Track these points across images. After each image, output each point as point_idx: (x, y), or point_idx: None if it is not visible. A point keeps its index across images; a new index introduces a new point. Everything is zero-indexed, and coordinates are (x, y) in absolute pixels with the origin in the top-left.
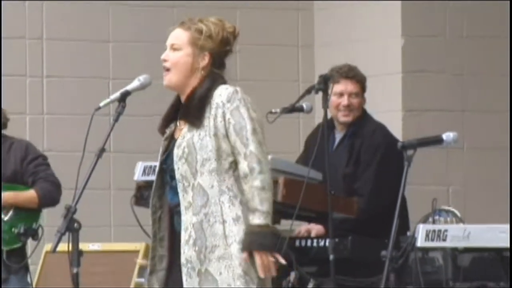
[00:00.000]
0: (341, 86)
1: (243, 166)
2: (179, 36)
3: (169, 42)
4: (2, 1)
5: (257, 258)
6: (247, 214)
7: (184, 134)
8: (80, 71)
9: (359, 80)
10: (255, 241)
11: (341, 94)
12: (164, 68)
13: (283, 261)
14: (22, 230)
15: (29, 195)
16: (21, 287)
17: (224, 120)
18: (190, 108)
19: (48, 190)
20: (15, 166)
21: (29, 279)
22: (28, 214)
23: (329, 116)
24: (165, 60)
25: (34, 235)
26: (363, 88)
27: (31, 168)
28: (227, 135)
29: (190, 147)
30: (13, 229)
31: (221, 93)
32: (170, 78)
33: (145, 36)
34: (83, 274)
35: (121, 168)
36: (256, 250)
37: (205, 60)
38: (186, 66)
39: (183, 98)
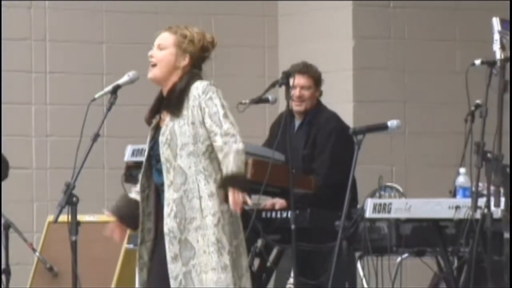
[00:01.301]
0: (295, 80)
1: (220, 142)
2: (166, 37)
3: (156, 42)
4: (11, 8)
5: (230, 194)
6: (219, 191)
7: (167, 123)
8: (78, 68)
9: (311, 75)
10: (230, 182)
11: (295, 87)
12: (150, 64)
13: (249, 202)
14: None
15: None
16: None
17: (200, 109)
18: (171, 101)
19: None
20: None
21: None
22: None
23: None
24: (151, 57)
25: None
26: (315, 82)
27: None
28: (203, 122)
29: (171, 133)
30: None
31: (197, 87)
32: (155, 72)
33: (133, 38)
34: (80, 242)
35: (113, 150)
36: (231, 187)
37: (185, 61)
38: (169, 63)
39: (164, 92)
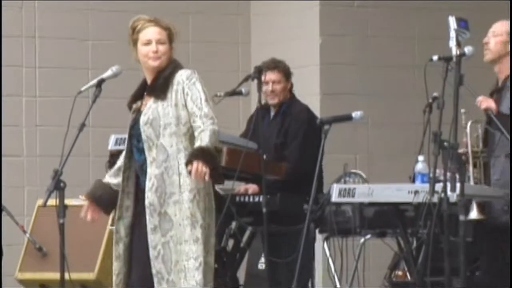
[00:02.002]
0: (267, 76)
1: (199, 122)
2: (161, 32)
3: (154, 37)
4: (4, 8)
5: (194, 164)
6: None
7: (150, 105)
8: (65, 63)
9: (281, 70)
10: (196, 155)
11: (267, 83)
12: (156, 56)
13: (207, 178)
14: None
15: None
16: None
17: (183, 93)
18: (157, 86)
19: None
20: None
21: None
22: None
23: (264, 101)
24: (157, 51)
25: None
26: (285, 76)
27: None
28: (185, 105)
29: (154, 114)
30: None
31: (182, 74)
32: (161, 62)
33: (117, 35)
34: (67, 224)
35: (97, 139)
36: (195, 159)
37: (172, 51)
38: (169, 55)
39: (148, 79)
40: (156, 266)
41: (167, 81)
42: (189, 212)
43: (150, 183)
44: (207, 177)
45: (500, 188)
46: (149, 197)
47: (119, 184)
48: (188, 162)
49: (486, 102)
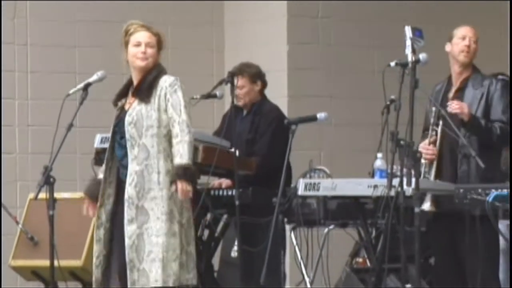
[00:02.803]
0: (238, 82)
1: (176, 129)
2: (151, 37)
3: (144, 40)
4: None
5: (179, 185)
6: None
7: (135, 106)
8: (54, 68)
9: (245, 75)
10: (180, 174)
11: (238, 88)
12: (144, 57)
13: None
14: None
15: None
16: None
17: (165, 99)
18: (142, 89)
19: None
20: None
21: None
22: None
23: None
24: (145, 53)
25: None
26: (250, 80)
27: None
28: (166, 109)
29: (138, 116)
30: None
31: (166, 80)
32: (148, 63)
33: (102, 43)
34: (56, 215)
35: (84, 138)
36: (179, 180)
37: (159, 57)
38: (155, 58)
39: (135, 80)
40: (129, 255)
41: (151, 86)
42: (167, 208)
43: (130, 178)
44: (190, 194)
45: (448, 181)
46: (129, 191)
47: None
48: (173, 182)
49: (460, 109)
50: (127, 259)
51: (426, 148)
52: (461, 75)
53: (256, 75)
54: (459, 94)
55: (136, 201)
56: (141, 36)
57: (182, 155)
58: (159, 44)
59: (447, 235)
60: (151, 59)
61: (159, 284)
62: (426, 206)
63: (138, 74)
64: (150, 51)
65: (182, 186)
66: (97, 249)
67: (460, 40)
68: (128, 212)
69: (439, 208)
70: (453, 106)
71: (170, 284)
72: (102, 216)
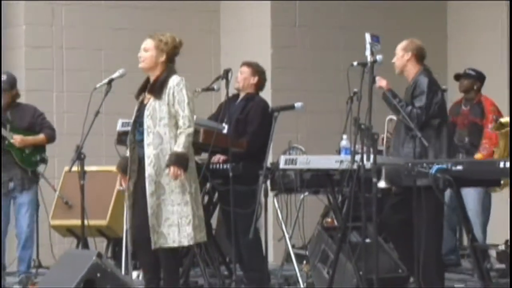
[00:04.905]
0: (243, 69)
1: (180, 122)
2: (149, 43)
3: (142, 46)
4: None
5: (171, 169)
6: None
7: (151, 102)
8: (84, 66)
9: (252, 68)
10: (174, 160)
11: (240, 72)
12: (140, 60)
13: (183, 176)
14: (38, 158)
15: (40, 138)
16: (32, 198)
17: (173, 96)
18: (155, 88)
19: (50, 134)
20: (31, 119)
21: (38, 191)
22: (39, 149)
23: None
24: (140, 57)
25: (44, 161)
26: (252, 72)
27: (39, 120)
28: (173, 105)
29: (154, 110)
30: (32, 158)
31: (174, 80)
32: (143, 65)
33: (122, 45)
34: (86, 184)
35: (108, 123)
36: (172, 165)
37: (163, 57)
38: (151, 59)
39: (151, 79)
40: (151, 221)
41: (163, 85)
42: (180, 182)
43: (149, 160)
44: (182, 176)
45: (405, 156)
46: (148, 170)
47: None
48: (167, 166)
49: (380, 81)
50: (150, 224)
51: None
52: (409, 78)
53: (257, 72)
54: (409, 91)
55: (155, 178)
56: (143, 43)
57: (179, 144)
58: (159, 47)
59: (399, 201)
60: (147, 60)
61: (176, 244)
62: (381, 183)
63: (146, 73)
64: (144, 54)
65: (173, 170)
66: (129, 214)
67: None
68: (149, 188)
69: (392, 184)
70: (379, 82)
71: (185, 244)
72: (131, 186)
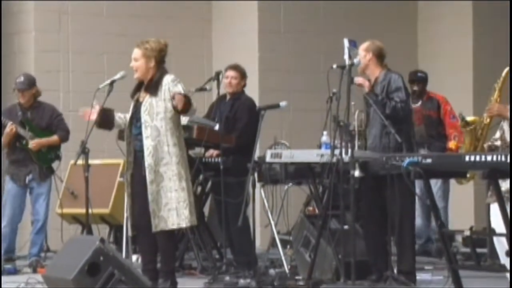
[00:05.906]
0: (227, 73)
1: (176, 91)
2: (137, 52)
3: (133, 56)
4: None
5: (177, 97)
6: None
7: (147, 99)
8: (88, 69)
9: (238, 71)
10: (177, 92)
11: (227, 77)
12: (133, 70)
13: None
14: (53, 156)
15: (54, 139)
16: (49, 188)
17: (169, 91)
18: (151, 87)
19: (63, 136)
20: (49, 119)
21: (53, 182)
22: (55, 148)
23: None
24: (133, 67)
25: (58, 157)
26: (241, 75)
27: (55, 121)
28: (170, 99)
29: (150, 106)
30: (48, 156)
31: (168, 78)
32: (138, 75)
33: (122, 50)
34: (90, 176)
35: None
36: (183, 95)
37: (152, 62)
38: (142, 68)
39: (145, 81)
40: (152, 206)
41: (158, 84)
42: (177, 170)
43: (147, 151)
44: (185, 101)
45: (372, 150)
46: (148, 160)
47: (119, 119)
48: (172, 96)
49: (361, 80)
50: (150, 210)
51: None
52: (372, 76)
53: (244, 74)
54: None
55: (154, 167)
56: (133, 53)
57: (180, 92)
58: (146, 54)
59: (373, 191)
60: (139, 70)
61: (175, 226)
62: (357, 173)
63: (143, 80)
64: (136, 64)
65: (178, 97)
66: (128, 202)
67: None
68: (149, 176)
69: (366, 173)
70: (357, 80)
71: (183, 225)
72: (128, 177)
